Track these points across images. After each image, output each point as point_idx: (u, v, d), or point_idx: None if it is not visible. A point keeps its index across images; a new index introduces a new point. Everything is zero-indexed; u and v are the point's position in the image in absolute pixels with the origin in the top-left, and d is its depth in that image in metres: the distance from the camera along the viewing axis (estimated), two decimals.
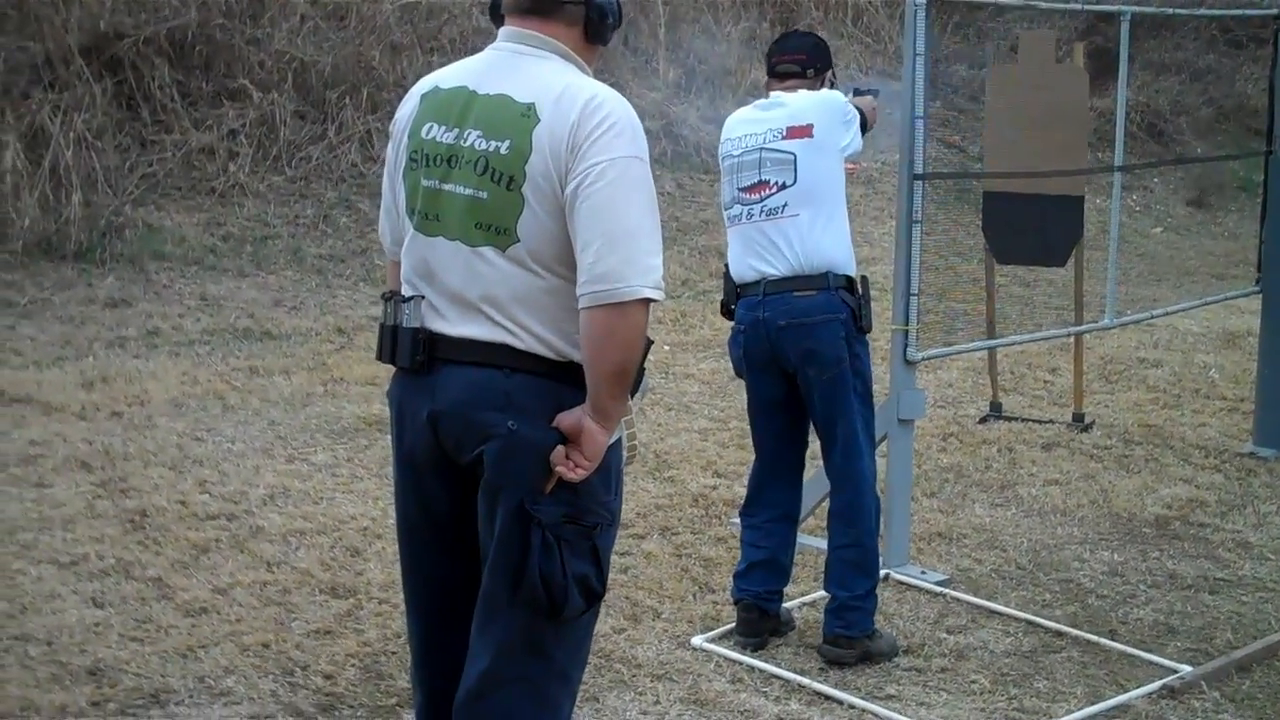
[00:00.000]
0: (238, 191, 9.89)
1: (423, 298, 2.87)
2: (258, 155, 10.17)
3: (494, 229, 2.77)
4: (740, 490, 5.99)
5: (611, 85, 2.92)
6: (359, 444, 6.37)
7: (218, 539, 5.17)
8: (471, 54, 3.01)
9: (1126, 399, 7.68)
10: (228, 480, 5.80)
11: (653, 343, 2.87)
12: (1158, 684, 4.27)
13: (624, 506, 5.57)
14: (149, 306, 8.39)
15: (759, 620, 4.54)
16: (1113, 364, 8.42)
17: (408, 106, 2.95)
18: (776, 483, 4.66)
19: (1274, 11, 7.14)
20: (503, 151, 2.76)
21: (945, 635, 4.63)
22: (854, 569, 4.44)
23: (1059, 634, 4.66)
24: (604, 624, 4.62)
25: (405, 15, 11.66)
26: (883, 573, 5.06)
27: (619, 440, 2.86)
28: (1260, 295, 6.82)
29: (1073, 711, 4.11)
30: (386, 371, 3.04)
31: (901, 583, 5.06)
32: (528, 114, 2.76)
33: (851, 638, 4.40)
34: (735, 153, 4.55)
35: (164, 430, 6.38)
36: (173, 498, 5.55)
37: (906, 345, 5.21)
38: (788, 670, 4.34)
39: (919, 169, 5.23)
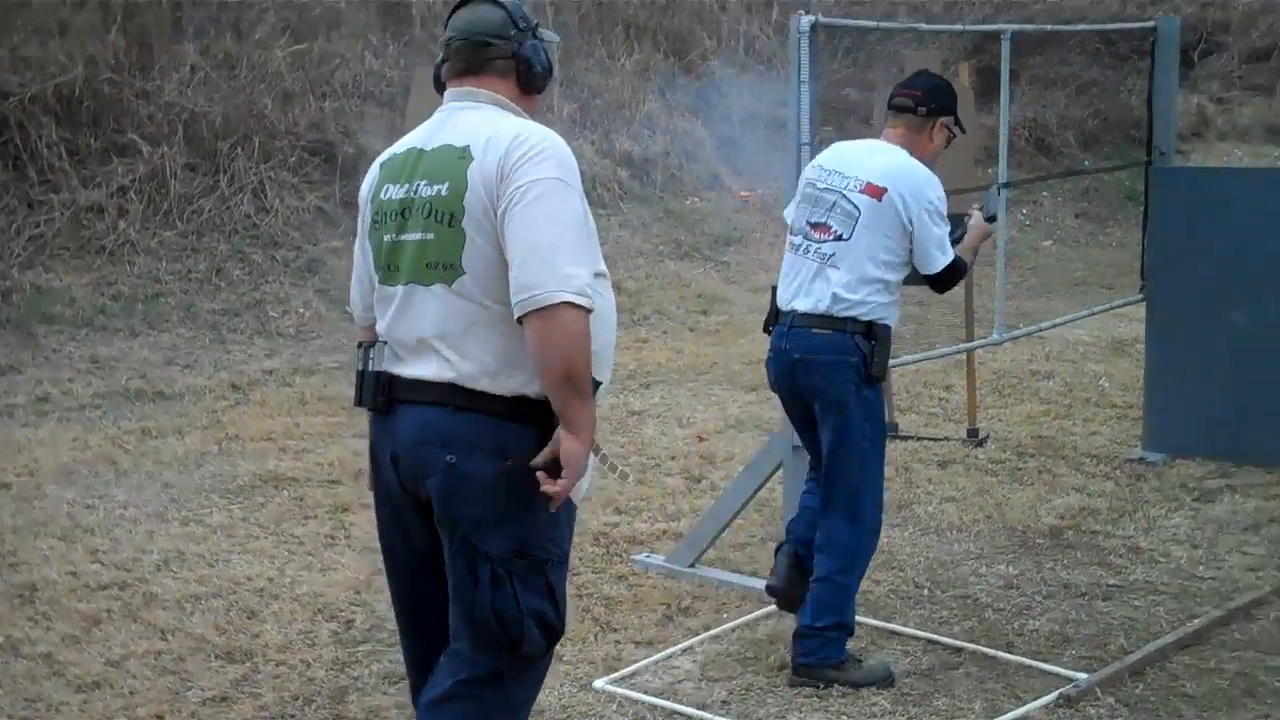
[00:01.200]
0: (128, 249, 9.79)
1: (385, 343, 3.10)
2: (148, 210, 10.06)
3: (441, 266, 2.98)
4: (641, 526, 6.04)
5: None
6: (255, 502, 6.30)
7: (110, 609, 5.08)
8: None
9: (1020, 412, 7.79)
10: (120, 547, 5.71)
11: (599, 384, 3.01)
12: (1054, 694, 4.32)
13: None
14: (38, 372, 8.27)
15: (793, 568, 4.61)
16: (1006, 378, 8.54)
17: (369, 176, 3.22)
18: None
19: (1151, 24, 7.29)
20: (443, 193, 2.99)
21: None
22: (822, 603, 4.47)
23: (957, 650, 4.71)
24: None
25: (296, 62, 11.61)
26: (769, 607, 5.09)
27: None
28: (1144, 303, 6.95)
29: None
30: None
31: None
32: (464, 155, 2.99)
33: (810, 665, 4.45)
34: (819, 184, 4.56)
35: (54, 499, 6.27)
36: (63, 569, 5.45)
37: None
38: (691, 707, 4.34)
39: None
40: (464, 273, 2.97)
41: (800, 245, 4.56)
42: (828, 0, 15.90)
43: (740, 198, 13.06)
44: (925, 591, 5.26)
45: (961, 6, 16.76)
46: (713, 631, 4.89)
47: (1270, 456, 6.38)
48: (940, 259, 4.46)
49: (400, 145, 3.20)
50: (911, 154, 4.54)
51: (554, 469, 2.92)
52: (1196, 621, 4.83)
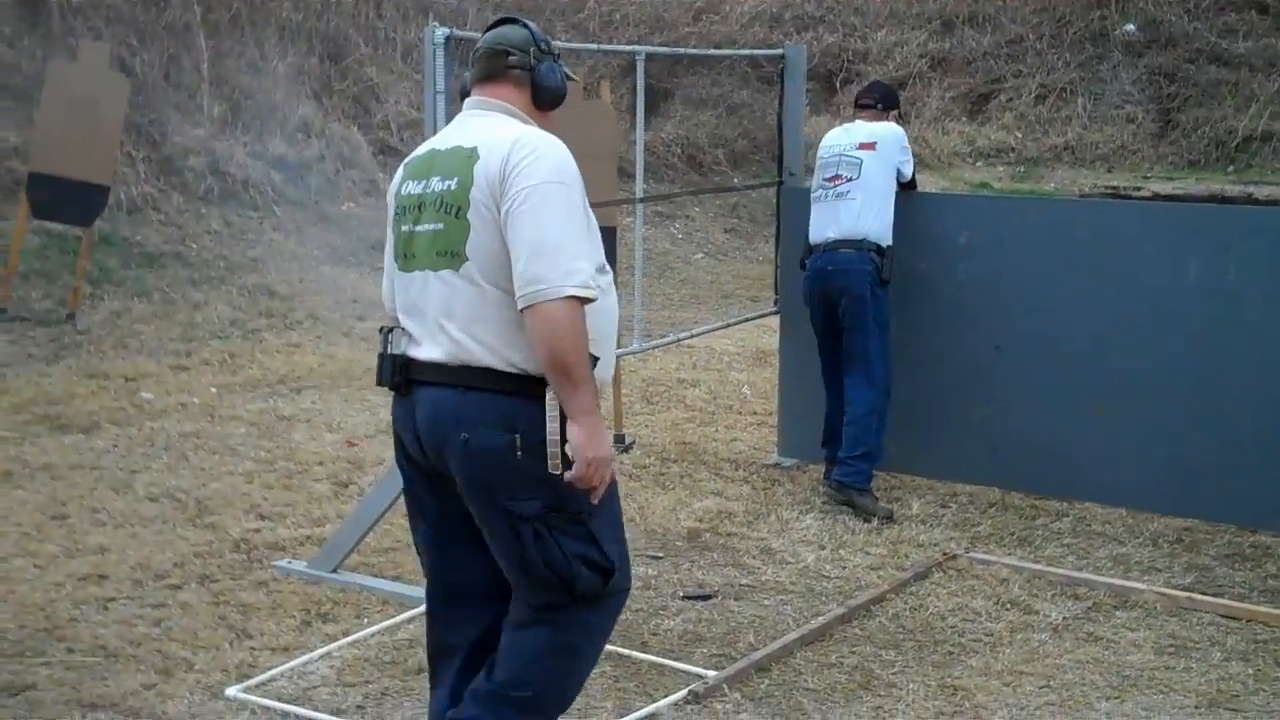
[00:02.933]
0: None
1: (402, 329, 3.43)
2: None
3: (449, 253, 3.30)
4: (284, 532, 5.93)
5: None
6: None
7: None
8: None
9: (666, 418, 8.01)
10: None
11: (596, 358, 3.27)
12: (684, 691, 4.46)
13: (162, 557, 5.41)
14: None
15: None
16: (655, 385, 8.76)
17: (396, 177, 3.55)
18: (833, 386, 6.58)
19: (780, 52, 7.61)
20: (452, 187, 3.32)
21: None
22: (853, 438, 6.34)
23: None
24: (133, 679, 4.46)
25: None
26: (422, 605, 5.08)
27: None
28: (779, 315, 7.25)
29: None
30: None
31: None
32: (471, 155, 3.32)
33: (844, 483, 6.29)
34: (825, 156, 6.54)
35: None
36: None
37: None
38: (325, 714, 4.28)
39: None
40: (468, 259, 3.28)
41: (821, 195, 6.49)
42: (486, 12, 16.03)
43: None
44: None
45: (617, 25, 17.15)
46: (352, 637, 4.85)
47: (892, 463, 6.74)
48: (909, 166, 6.58)
49: (422, 148, 3.55)
50: None
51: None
52: (820, 619, 5.06)
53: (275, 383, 8.57)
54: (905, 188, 6.57)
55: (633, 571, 5.45)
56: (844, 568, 5.70)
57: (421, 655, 4.60)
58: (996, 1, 20.82)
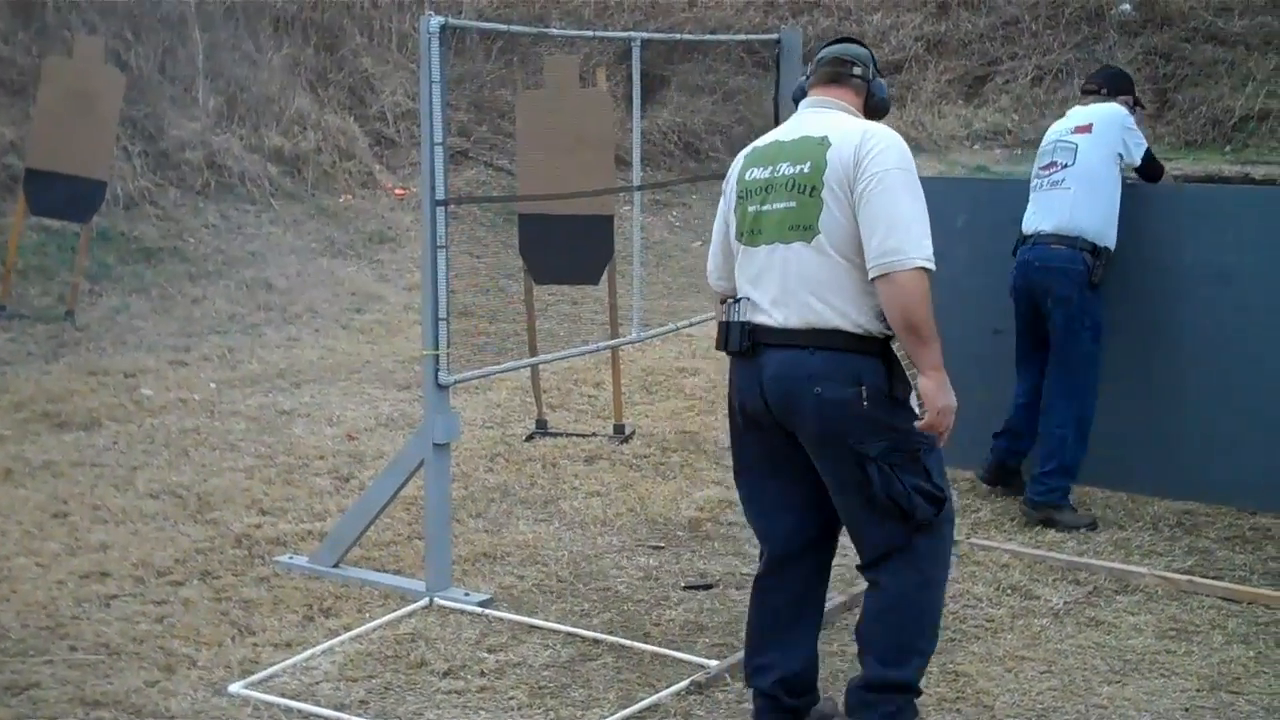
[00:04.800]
0: None
1: (747, 299, 3.81)
2: None
3: (801, 227, 3.73)
4: (285, 527, 5.94)
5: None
6: None
7: None
8: None
9: (665, 408, 8.01)
10: None
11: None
12: (686, 681, 4.46)
13: (163, 554, 5.41)
14: None
15: (998, 473, 6.31)
16: (654, 375, 8.76)
17: (736, 165, 4.02)
18: (1025, 383, 6.21)
19: (775, 37, 7.58)
20: (806, 170, 3.75)
21: (486, 655, 4.69)
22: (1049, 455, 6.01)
23: (596, 642, 4.81)
24: (135, 677, 4.46)
25: None
26: (424, 599, 5.11)
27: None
28: None
29: (606, 716, 4.25)
30: None
31: (444, 607, 5.09)
32: (823, 142, 3.77)
33: (1038, 502, 5.95)
34: (1044, 144, 6.18)
35: None
36: None
37: (438, 370, 5.23)
38: (328, 709, 4.29)
39: (440, 195, 5.23)
40: (819, 232, 3.71)
41: (1036, 185, 6.12)
42: (481, 2, 16.01)
43: (395, 195, 12.96)
44: (567, 585, 5.36)
45: (613, 12, 17.11)
46: (354, 632, 4.85)
47: None
48: (1136, 146, 6.07)
49: (763, 140, 3.99)
50: None
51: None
52: None
53: (274, 377, 8.57)
54: (1141, 174, 6.16)
55: (634, 563, 5.55)
56: (846, 555, 5.64)
57: (424, 649, 4.66)
58: None
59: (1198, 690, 4.46)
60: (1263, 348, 5.86)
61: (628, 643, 4.78)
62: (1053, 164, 6.08)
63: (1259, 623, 5.01)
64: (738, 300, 3.87)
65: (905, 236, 3.63)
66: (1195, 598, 5.23)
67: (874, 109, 4.02)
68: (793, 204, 3.76)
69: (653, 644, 4.79)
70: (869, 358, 3.72)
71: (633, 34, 6.58)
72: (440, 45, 5.14)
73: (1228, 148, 16.69)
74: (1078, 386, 5.96)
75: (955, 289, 6.49)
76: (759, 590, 4.08)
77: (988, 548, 5.69)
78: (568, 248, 7.29)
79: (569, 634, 4.86)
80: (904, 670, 3.88)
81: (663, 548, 5.77)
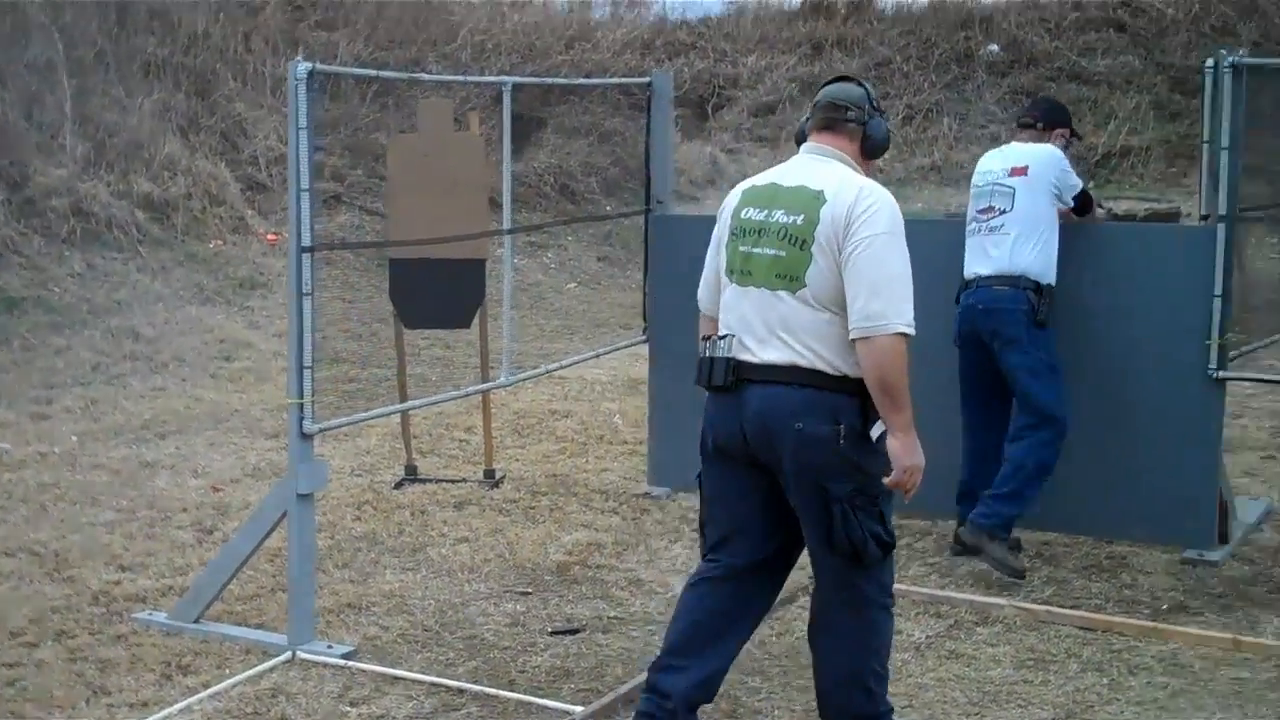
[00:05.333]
0: None
1: (734, 336, 3.96)
2: None
3: (789, 278, 3.89)
4: (145, 583, 5.83)
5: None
6: None
7: None
8: None
9: (536, 451, 7.99)
10: None
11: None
12: None
13: (18, 614, 5.28)
14: None
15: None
16: (526, 418, 8.75)
17: (732, 199, 4.15)
18: (976, 437, 6.04)
19: (647, 80, 7.65)
20: (799, 222, 3.89)
21: (348, 708, 4.63)
22: (1005, 478, 5.82)
23: (460, 691, 4.76)
24: None
25: None
26: (286, 653, 5.04)
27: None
28: (648, 344, 7.28)
29: None
30: None
31: (307, 661, 5.01)
32: (818, 197, 3.89)
33: (978, 524, 5.74)
34: (978, 184, 6.06)
35: None
36: None
37: (302, 419, 5.17)
38: None
39: (306, 241, 5.21)
40: (805, 285, 3.87)
41: (974, 229, 6.00)
42: (357, 45, 15.95)
43: (267, 241, 12.83)
44: (433, 634, 5.31)
45: (490, 55, 17.15)
46: (212, 689, 4.76)
47: None
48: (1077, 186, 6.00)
49: (761, 178, 4.13)
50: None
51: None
52: None
53: (139, 428, 8.43)
54: (1077, 212, 6.05)
55: (500, 609, 5.52)
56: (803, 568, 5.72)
57: (284, 704, 4.59)
58: (864, 25, 21.16)
59: (1053, 719, 4.54)
60: (1113, 380, 6.00)
61: (492, 691, 4.75)
62: (990, 208, 5.97)
63: (1113, 650, 5.11)
64: (722, 337, 4.02)
65: (889, 301, 3.78)
66: (1053, 627, 5.32)
67: (871, 150, 4.12)
68: (782, 253, 3.90)
69: (518, 692, 4.76)
70: (848, 397, 3.87)
71: (504, 79, 6.59)
72: (308, 91, 5.11)
73: (1091, 183, 17.11)
74: (1045, 423, 5.81)
75: None
76: (698, 594, 4.17)
77: None
78: (438, 292, 7.26)
79: (433, 684, 4.82)
80: (869, 702, 4.05)
81: (530, 593, 5.75)
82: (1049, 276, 5.87)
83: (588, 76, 16.42)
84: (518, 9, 19.38)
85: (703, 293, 4.24)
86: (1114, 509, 5.99)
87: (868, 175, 4.06)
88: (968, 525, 5.83)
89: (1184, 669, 4.95)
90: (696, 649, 4.11)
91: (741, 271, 4.00)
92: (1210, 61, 5.92)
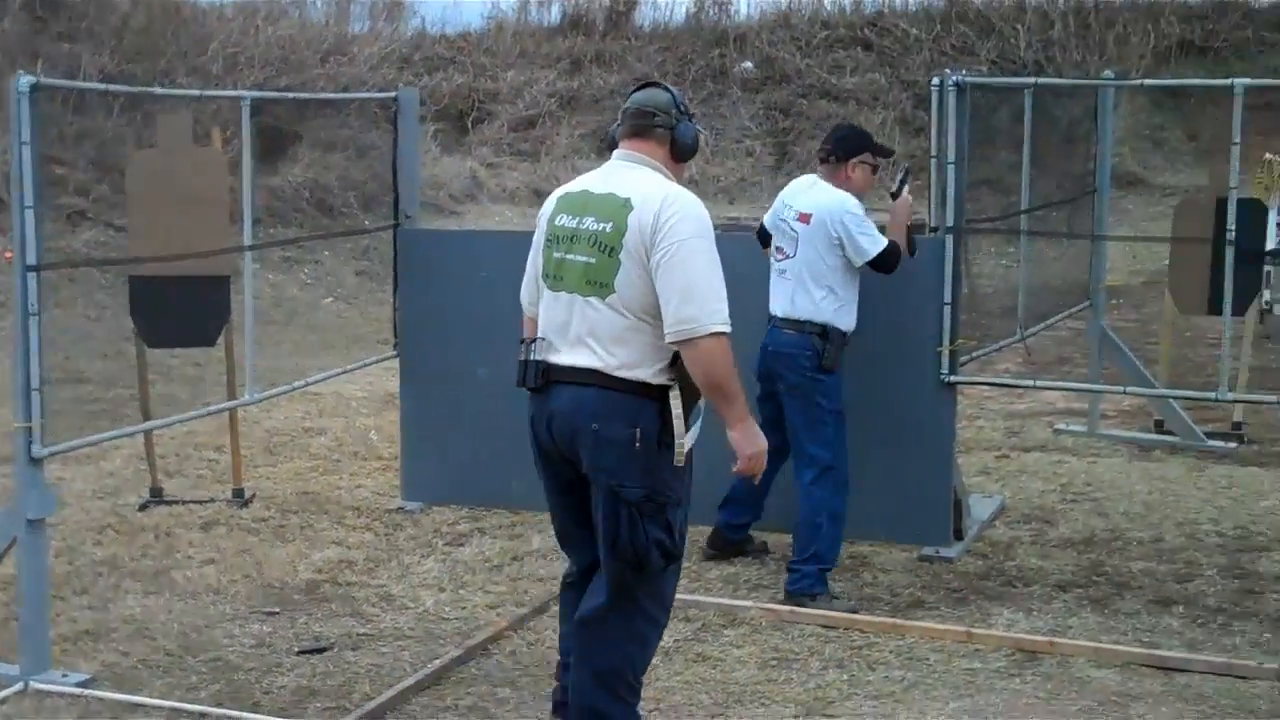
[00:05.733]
0: None
1: (545, 339, 4.08)
2: None
3: (598, 284, 3.97)
4: None
5: None
6: None
7: None
8: None
9: (289, 469, 7.86)
10: None
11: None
12: None
13: None
14: None
15: (718, 541, 6.23)
16: (279, 435, 8.60)
17: (549, 205, 4.23)
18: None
19: (392, 95, 7.61)
20: (607, 230, 3.97)
21: None
22: (803, 545, 5.81)
23: (203, 715, 4.65)
24: None
25: None
26: (19, 684, 4.85)
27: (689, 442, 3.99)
28: (398, 359, 7.23)
29: None
30: None
31: (41, 691, 4.83)
32: (626, 204, 3.98)
33: (792, 593, 5.70)
34: (777, 215, 5.95)
35: None
36: None
37: (30, 442, 4.99)
38: None
39: (31, 260, 5.03)
40: (615, 291, 3.95)
41: (771, 263, 5.94)
42: (102, 57, 15.45)
43: (5, 258, 12.30)
44: (176, 659, 5.18)
45: (243, 68, 16.81)
46: None
47: (515, 499, 6.82)
48: (870, 249, 5.73)
49: (575, 185, 4.22)
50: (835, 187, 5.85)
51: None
52: (437, 662, 5.05)
53: None
54: (879, 269, 5.77)
55: (246, 630, 5.42)
56: (464, 608, 5.72)
57: None
58: (623, 41, 21.45)
59: (794, 716, 4.67)
60: (858, 388, 6.19)
61: (235, 713, 4.65)
62: (780, 249, 5.89)
63: (853, 646, 5.28)
64: (534, 340, 4.13)
65: (701, 304, 3.86)
66: (797, 627, 5.47)
67: (680, 153, 4.19)
68: (592, 260, 3.99)
69: (262, 713, 4.67)
70: (647, 401, 3.95)
71: (242, 93, 6.48)
72: (31, 105, 4.95)
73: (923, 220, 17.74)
74: (824, 473, 5.76)
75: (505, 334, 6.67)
76: (566, 599, 4.40)
77: None
78: (181, 310, 7.06)
79: (173, 710, 4.69)
80: (613, 706, 4.10)
81: (278, 613, 5.65)
82: (840, 321, 5.77)
83: (345, 90, 16.25)
84: (272, 21, 19.05)
85: (524, 294, 4.34)
86: (855, 510, 6.15)
87: (679, 178, 4.15)
88: (786, 594, 5.72)
89: (920, 662, 5.14)
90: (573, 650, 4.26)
91: (555, 277, 4.09)
92: (936, 80, 6.18)
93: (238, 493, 7.22)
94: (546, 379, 4.06)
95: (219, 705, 4.73)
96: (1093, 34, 19.79)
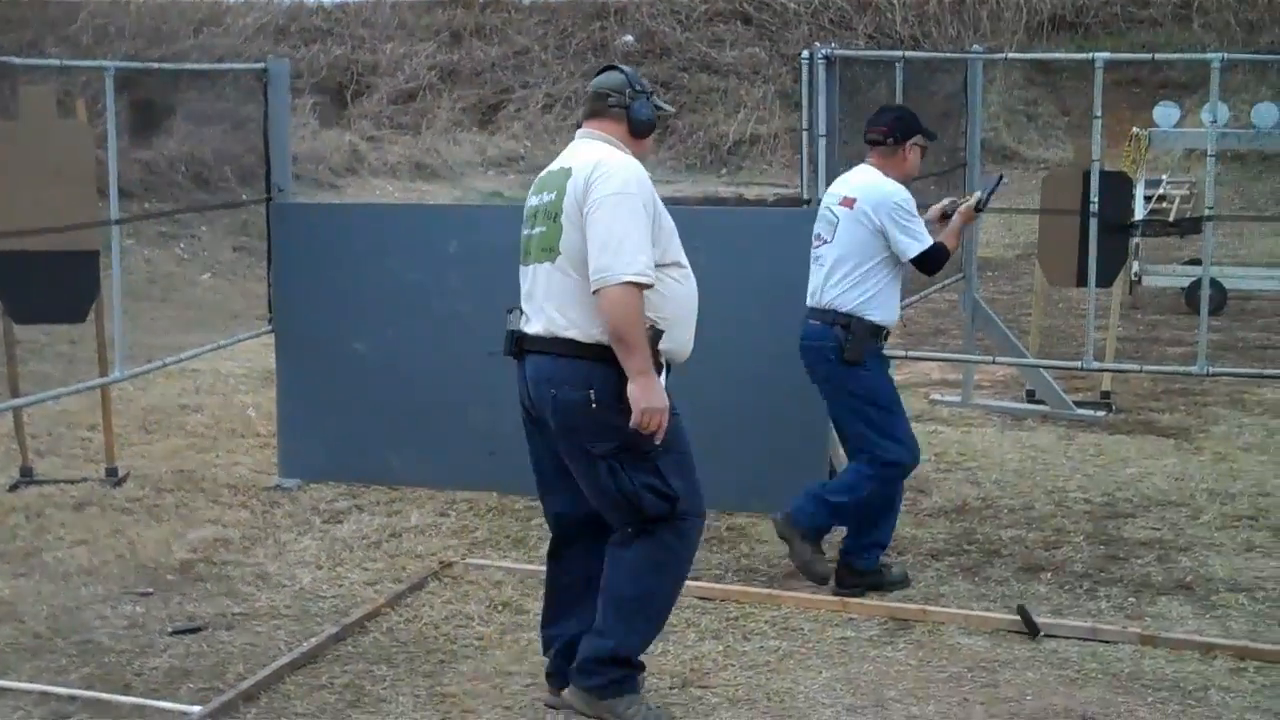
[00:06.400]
0: None
1: (520, 310, 4.34)
2: None
3: (549, 250, 4.22)
4: None
5: None
6: None
7: None
8: None
9: (164, 447, 7.75)
10: None
11: (661, 332, 4.17)
12: None
13: None
14: None
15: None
16: (155, 413, 8.47)
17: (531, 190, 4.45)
18: None
19: (262, 66, 7.49)
20: (553, 199, 4.24)
21: None
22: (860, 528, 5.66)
23: (72, 699, 4.57)
24: None
25: None
26: None
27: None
28: (274, 335, 7.15)
29: None
30: None
31: None
32: (566, 173, 4.24)
33: (798, 521, 5.58)
34: (821, 207, 5.73)
35: None
36: None
37: None
38: None
39: None
40: (561, 254, 4.18)
41: (812, 253, 5.70)
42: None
43: None
44: (45, 641, 5.08)
45: (113, 39, 16.46)
46: None
47: (394, 475, 6.79)
48: (913, 247, 5.48)
49: (546, 169, 4.41)
50: (885, 174, 5.58)
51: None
52: (312, 640, 5.01)
53: None
54: (921, 269, 5.59)
55: (118, 611, 5.34)
56: (341, 586, 5.69)
57: None
58: (503, 14, 21.33)
59: (670, 687, 4.70)
60: (733, 352, 6.24)
61: (106, 696, 4.58)
62: (818, 236, 5.66)
63: (730, 617, 5.33)
64: (511, 310, 4.38)
65: (616, 255, 4.04)
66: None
67: (637, 129, 4.41)
68: (544, 229, 4.26)
69: (134, 695, 4.60)
70: (600, 364, 4.13)
71: (105, 64, 6.35)
72: None
73: (724, 170, 17.76)
74: (882, 469, 5.54)
75: (451, 313, 6.63)
76: (547, 568, 4.61)
77: (482, 566, 5.81)
78: (47, 285, 6.92)
79: (42, 693, 4.60)
80: (624, 645, 4.34)
81: (151, 593, 5.58)
82: (870, 312, 5.51)
83: (219, 61, 15.95)
84: None
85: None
86: (730, 482, 6.22)
87: (639, 153, 4.37)
88: (787, 516, 5.58)
89: (795, 632, 5.21)
90: (558, 620, 4.54)
91: (524, 251, 4.36)
92: (806, 54, 6.24)
93: (111, 472, 7.10)
94: (520, 348, 4.30)
95: (89, 688, 4.65)
96: (968, 9, 20.08)
